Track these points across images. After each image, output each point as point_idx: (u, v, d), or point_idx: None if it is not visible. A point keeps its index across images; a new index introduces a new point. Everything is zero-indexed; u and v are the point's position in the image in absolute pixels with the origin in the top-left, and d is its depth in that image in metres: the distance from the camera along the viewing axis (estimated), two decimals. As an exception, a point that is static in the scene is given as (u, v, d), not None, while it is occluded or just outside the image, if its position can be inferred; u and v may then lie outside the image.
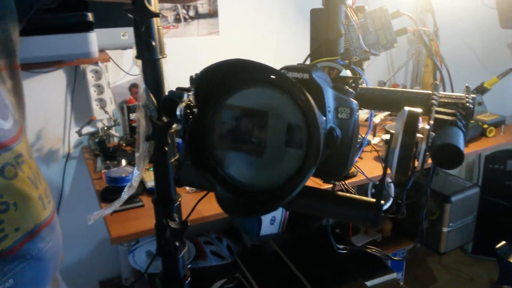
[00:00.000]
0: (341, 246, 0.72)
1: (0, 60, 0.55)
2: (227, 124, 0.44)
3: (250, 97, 0.43)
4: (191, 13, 1.95)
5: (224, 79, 0.43)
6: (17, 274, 0.54)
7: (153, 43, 0.64)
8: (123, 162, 1.57)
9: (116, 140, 1.86)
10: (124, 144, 1.79)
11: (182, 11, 1.93)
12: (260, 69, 0.41)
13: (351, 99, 0.46)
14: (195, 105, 0.46)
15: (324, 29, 0.70)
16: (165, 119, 0.62)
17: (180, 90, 0.53)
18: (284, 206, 0.47)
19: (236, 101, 0.44)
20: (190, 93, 0.53)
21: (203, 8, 1.97)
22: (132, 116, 1.85)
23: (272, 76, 0.42)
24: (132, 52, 0.66)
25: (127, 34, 1.69)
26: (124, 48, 1.77)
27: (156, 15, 0.62)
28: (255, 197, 0.44)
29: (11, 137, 0.53)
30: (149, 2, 0.62)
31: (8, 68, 0.56)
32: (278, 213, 1.92)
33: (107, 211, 0.67)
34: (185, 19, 1.95)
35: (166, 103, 0.52)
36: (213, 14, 1.99)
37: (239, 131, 0.44)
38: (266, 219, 1.90)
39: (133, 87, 1.90)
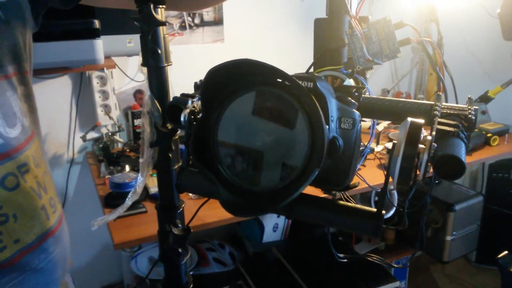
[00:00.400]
0: (341, 255, 0.72)
1: (9, 66, 0.54)
2: (231, 126, 0.45)
3: (257, 99, 0.44)
4: (197, 20, 1.96)
5: (230, 80, 0.44)
6: (16, 286, 0.53)
7: (159, 51, 0.65)
8: (127, 167, 1.58)
9: (120, 145, 1.87)
10: (128, 150, 1.80)
11: (188, 19, 1.95)
12: (267, 70, 0.41)
13: (354, 110, 0.46)
14: (201, 107, 0.46)
15: (327, 39, 0.71)
16: (169, 125, 0.63)
17: (185, 97, 0.53)
18: (285, 214, 0.48)
19: (241, 104, 0.44)
20: (194, 100, 0.53)
21: (208, 16, 1.98)
22: (136, 122, 1.86)
23: (279, 80, 0.42)
24: (138, 59, 0.67)
25: (132, 41, 1.70)
26: (129, 55, 1.79)
27: (163, 23, 0.63)
28: (256, 198, 0.44)
29: (15, 145, 0.52)
30: (156, 11, 0.62)
31: (18, 74, 0.56)
32: (281, 221, 1.92)
33: (111, 217, 0.67)
34: (191, 27, 1.96)
35: (170, 109, 0.53)
36: (218, 21, 2.01)
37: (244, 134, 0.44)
38: (268, 226, 1.90)
39: (137, 93, 1.91)
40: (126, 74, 1.85)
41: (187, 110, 0.50)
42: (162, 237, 0.65)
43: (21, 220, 0.53)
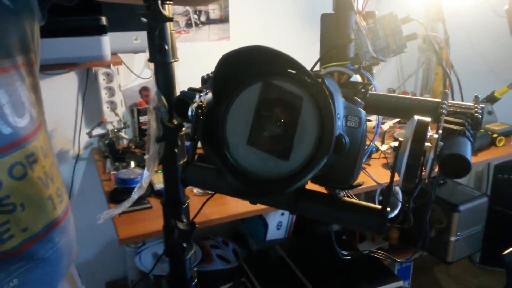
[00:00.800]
0: (345, 252, 0.72)
1: (18, 56, 0.55)
2: (240, 116, 0.45)
3: (266, 89, 0.44)
4: (203, 18, 1.97)
5: (240, 69, 0.43)
6: (23, 274, 0.54)
7: (166, 47, 0.65)
8: (132, 164, 1.58)
9: (125, 142, 1.87)
10: (133, 146, 1.81)
11: (194, 17, 1.95)
12: (278, 59, 0.41)
13: (360, 109, 0.46)
14: (211, 96, 0.46)
15: (334, 34, 0.71)
16: (175, 121, 0.63)
17: (192, 91, 0.53)
18: (289, 209, 0.48)
19: (251, 93, 0.44)
20: (202, 94, 0.53)
21: (214, 14, 1.98)
22: (142, 119, 1.86)
23: (291, 70, 0.42)
24: (145, 55, 0.68)
25: (139, 38, 1.71)
26: (135, 52, 1.79)
27: (170, 19, 0.64)
28: (264, 186, 0.44)
29: (24, 135, 0.53)
30: (163, 7, 0.63)
31: (26, 64, 0.57)
32: (285, 218, 1.92)
33: (116, 211, 0.68)
34: (197, 24, 1.96)
35: (178, 103, 0.53)
36: (224, 19, 2.01)
37: (253, 125, 0.44)
38: (272, 224, 1.90)
39: (143, 90, 1.92)
40: (132, 71, 1.86)
41: (195, 105, 0.51)
42: (167, 232, 0.66)
43: (29, 209, 0.53)
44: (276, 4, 2.10)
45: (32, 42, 0.58)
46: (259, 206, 1.44)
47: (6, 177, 0.51)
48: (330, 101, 0.41)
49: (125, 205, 0.66)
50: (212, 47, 2.00)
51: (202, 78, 0.58)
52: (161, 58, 0.66)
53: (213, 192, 0.56)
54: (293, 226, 1.97)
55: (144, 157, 1.55)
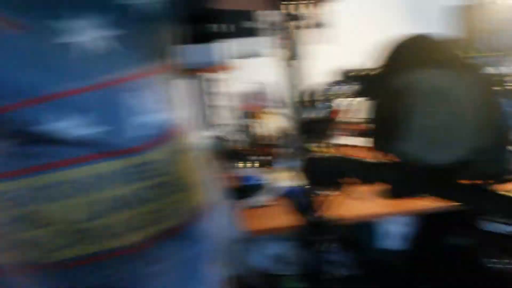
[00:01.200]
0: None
1: (159, 61, 0.62)
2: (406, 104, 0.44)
3: (429, 78, 0.43)
4: (307, 22, 1.96)
5: (403, 59, 0.43)
6: (179, 252, 0.60)
7: (293, 46, 0.67)
8: (248, 164, 1.64)
9: (240, 144, 1.94)
10: (245, 148, 1.87)
11: (298, 20, 1.95)
12: (444, 49, 0.40)
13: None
14: (373, 85, 0.47)
15: (471, 26, 0.67)
16: (307, 118, 0.64)
17: (330, 84, 0.54)
18: (465, 200, 0.46)
19: (411, 82, 0.43)
20: (333, 87, 0.54)
21: (318, 18, 1.97)
22: (251, 122, 1.91)
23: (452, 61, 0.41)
24: (255, 60, 0.70)
25: (248, 44, 1.76)
26: (246, 57, 1.85)
27: (297, 18, 0.65)
28: (429, 175, 0.43)
29: (175, 129, 0.60)
30: (290, 8, 0.65)
31: (166, 68, 0.63)
32: (402, 228, 1.84)
33: (252, 202, 0.70)
34: (301, 28, 1.97)
35: (307, 96, 0.54)
36: (328, 23, 1.99)
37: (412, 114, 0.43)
38: (388, 232, 1.84)
39: (252, 94, 1.97)
40: (241, 76, 1.92)
41: (328, 97, 0.51)
42: (303, 227, 0.67)
43: (184, 193, 0.60)
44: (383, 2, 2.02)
45: (168, 48, 0.64)
46: (381, 209, 1.36)
47: (167, 164, 0.56)
48: (495, 93, 0.39)
49: (261, 199, 0.68)
50: (316, 50, 1.98)
51: (342, 72, 0.58)
52: (289, 56, 0.68)
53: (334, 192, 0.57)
54: (411, 238, 1.88)
55: (258, 158, 1.58)
